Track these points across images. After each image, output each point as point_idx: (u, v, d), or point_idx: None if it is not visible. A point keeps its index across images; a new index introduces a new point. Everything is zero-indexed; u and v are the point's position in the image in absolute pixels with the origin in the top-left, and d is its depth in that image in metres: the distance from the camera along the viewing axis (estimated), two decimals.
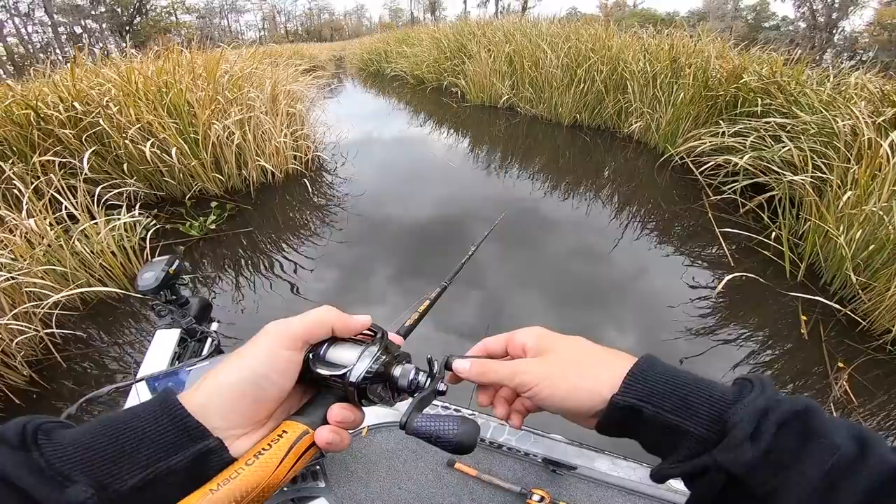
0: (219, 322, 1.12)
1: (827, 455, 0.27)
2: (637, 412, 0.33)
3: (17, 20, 22.76)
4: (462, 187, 4.31)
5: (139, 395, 0.83)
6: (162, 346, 0.94)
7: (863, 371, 1.98)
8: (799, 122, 3.38)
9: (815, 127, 3.24)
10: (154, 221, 2.93)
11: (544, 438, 0.97)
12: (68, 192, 2.57)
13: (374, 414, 1.03)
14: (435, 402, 1.00)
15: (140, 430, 0.28)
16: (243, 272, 2.84)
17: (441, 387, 0.39)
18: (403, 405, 0.36)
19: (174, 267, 0.97)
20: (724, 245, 2.72)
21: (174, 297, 1.01)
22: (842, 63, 4.69)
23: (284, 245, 3.14)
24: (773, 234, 2.66)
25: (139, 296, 0.79)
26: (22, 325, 1.92)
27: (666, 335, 2.26)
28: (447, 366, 0.41)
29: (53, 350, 2.01)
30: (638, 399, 0.33)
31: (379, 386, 0.37)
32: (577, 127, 5.90)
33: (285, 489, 0.91)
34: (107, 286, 2.36)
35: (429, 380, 0.39)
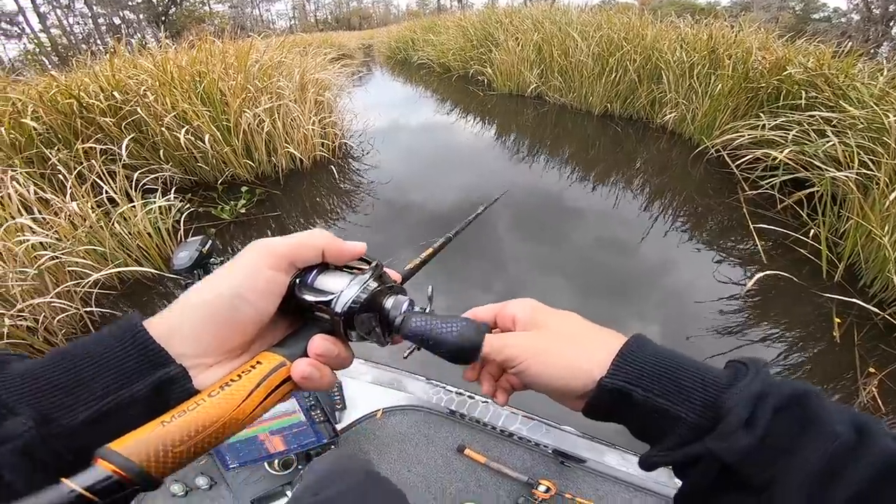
0: None
1: (827, 442, 0.25)
2: (626, 395, 0.30)
3: (58, 11, 23.77)
4: (489, 174, 4.27)
5: None
6: None
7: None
8: (846, 117, 3.18)
9: (863, 122, 3.05)
10: (188, 205, 3.04)
11: (556, 430, 0.97)
12: (108, 177, 2.71)
13: (390, 397, 1.05)
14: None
15: (98, 356, 0.25)
16: None
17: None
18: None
19: (207, 247, 1.01)
20: (758, 241, 2.62)
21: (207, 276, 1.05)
22: None
23: (311, 228, 3.21)
24: (812, 231, 2.53)
25: (173, 276, 0.83)
26: (64, 304, 2.05)
27: (692, 331, 2.21)
28: None
29: (91, 328, 2.14)
30: (627, 381, 0.30)
31: (369, 317, 0.33)
32: (608, 116, 5.75)
33: (300, 467, 0.95)
34: (143, 266, 2.47)
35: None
